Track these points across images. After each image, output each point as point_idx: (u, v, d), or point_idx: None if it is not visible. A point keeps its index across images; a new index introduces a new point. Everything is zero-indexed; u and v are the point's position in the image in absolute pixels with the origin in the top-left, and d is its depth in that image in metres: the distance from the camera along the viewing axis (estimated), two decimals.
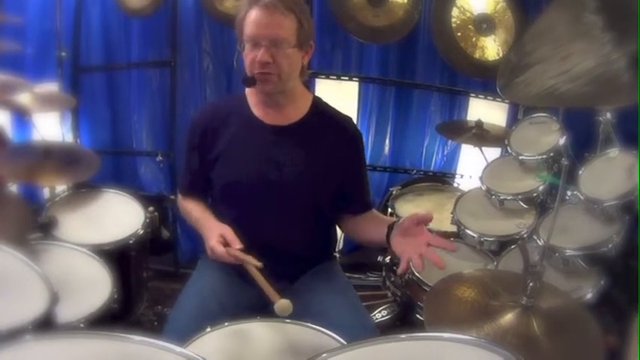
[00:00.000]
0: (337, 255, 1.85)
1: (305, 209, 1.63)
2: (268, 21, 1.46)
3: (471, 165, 2.95)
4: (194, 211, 1.69)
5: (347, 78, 2.97)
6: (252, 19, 1.47)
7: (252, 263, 1.38)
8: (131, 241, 2.03)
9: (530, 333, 1.25)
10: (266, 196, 1.59)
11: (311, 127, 1.62)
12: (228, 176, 1.62)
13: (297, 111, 1.63)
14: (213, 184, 1.67)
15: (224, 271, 1.61)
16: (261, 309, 1.59)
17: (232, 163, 1.61)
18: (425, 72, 3.02)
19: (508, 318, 1.29)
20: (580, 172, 1.84)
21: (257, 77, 1.50)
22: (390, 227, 1.49)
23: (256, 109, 1.62)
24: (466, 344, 0.91)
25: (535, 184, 2.13)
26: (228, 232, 1.48)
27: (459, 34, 2.71)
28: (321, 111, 1.66)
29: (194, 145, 1.65)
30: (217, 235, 1.48)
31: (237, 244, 1.44)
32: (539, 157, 2.13)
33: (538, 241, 1.77)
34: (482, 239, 2.07)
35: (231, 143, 1.61)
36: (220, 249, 1.45)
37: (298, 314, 1.43)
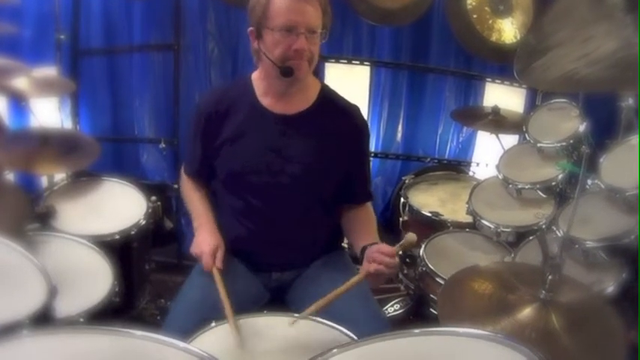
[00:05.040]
0: (346, 246, 1.83)
1: (309, 199, 1.63)
2: (304, 8, 1.46)
3: (487, 153, 2.96)
4: (197, 202, 1.72)
5: (358, 62, 2.96)
6: (285, 6, 1.46)
7: (221, 290, 1.43)
8: (133, 232, 2.01)
9: (549, 328, 1.22)
10: (270, 186, 1.58)
11: (318, 116, 1.61)
12: (232, 165, 1.61)
13: (305, 100, 1.62)
14: (216, 172, 1.66)
15: (229, 261, 1.60)
16: (267, 302, 1.63)
17: (237, 151, 1.60)
18: (439, 56, 3.01)
19: (526, 312, 1.26)
20: (601, 160, 1.81)
21: (293, 66, 1.49)
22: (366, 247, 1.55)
23: (263, 98, 1.61)
24: (482, 340, 0.89)
25: (554, 172, 2.11)
26: (221, 250, 1.56)
27: (474, 16, 2.68)
28: (328, 100, 1.65)
29: (199, 132, 1.65)
30: (213, 247, 1.55)
31: (220, 265, 1.52)
32: (559, 145, 2.12)
33: (557, 232, 1.76)
34: (499, 230, 2.07)
35: (236, 131, 1.60)
36: (209, 263, 1.52)
37: (306, 307, 1.43)
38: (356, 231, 1.66)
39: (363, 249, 1.52)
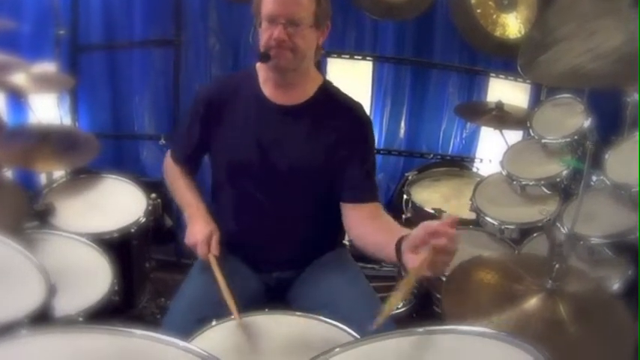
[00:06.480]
0: (347, 244, 1.81)
1: (306, 192, 1.61)
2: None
3: (491, 149, 2.93)
4: (186, 190, 1.71)
5: (360, 57, 2.95)
6: None
7: (219, 277, 1.44)
8: (132, 230, 2.00)
9: (555, 318, 1.22)
10: (267, 176, 1.58)
11: (317, 109, 1.60)
12: (230, 154, 1.62)
13: (304, 92, 1.62)
14: (215, 162, 1.68)
15: (229, 259, 1.60)
16: (268, 300, 1.62)
17: (235, 140, 1.60)
18: (443, 51, 2.98)
19: (532, 302, 1.25)
20: (606, 156, 1.81)
21: (271, 53, 1.49)
22: (400, 242, 1.25)
23: (265, 87, 1.61)
24: (487, 338, 0.89)
25: (558, 168, 2.10)
26: (215, 236, 1.57)
27: (478, 10, 2.66)
28: (329, 94, 1.64)
29: (197, 117, 1.64)
30: (207, 235, 1.56)
31: (216, 252, 1.54)
32: (563, 141, 2.10)
33: (562, 229, 1.76)
34: (502, 227, 2.07)
35: (235, 119, 1.60)
36: (205, 251, 1.53)
37: (308, 305, 1.46)
38: (378, 237, 1.41)
39: (399, 242, 1.23)
